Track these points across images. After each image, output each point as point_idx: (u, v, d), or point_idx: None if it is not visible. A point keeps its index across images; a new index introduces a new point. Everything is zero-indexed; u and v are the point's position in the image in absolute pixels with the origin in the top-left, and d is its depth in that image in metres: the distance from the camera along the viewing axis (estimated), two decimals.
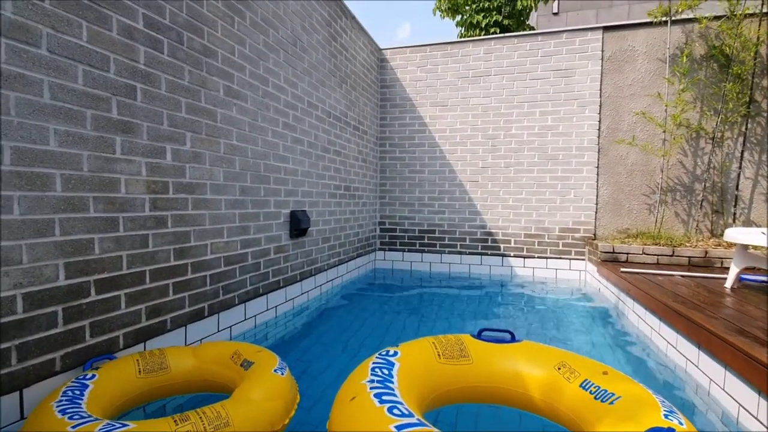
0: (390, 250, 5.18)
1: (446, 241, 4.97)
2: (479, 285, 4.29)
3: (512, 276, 4.66)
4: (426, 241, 5.04)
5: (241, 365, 1.55)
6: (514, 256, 4.71)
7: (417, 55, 4.93)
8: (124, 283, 1.79)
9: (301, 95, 3.24)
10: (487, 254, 4.81)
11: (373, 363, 1.28)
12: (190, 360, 1.67)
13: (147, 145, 1.89)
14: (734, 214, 3.97)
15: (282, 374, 1.43)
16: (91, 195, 1.64)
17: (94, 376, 1.40)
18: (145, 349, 1.88)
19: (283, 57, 2.96)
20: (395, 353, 1.35)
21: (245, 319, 2.63)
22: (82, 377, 1.39)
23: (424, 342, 1.46)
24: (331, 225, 3.87)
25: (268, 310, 2.87)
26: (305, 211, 3.33)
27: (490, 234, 4.79)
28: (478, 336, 1.50)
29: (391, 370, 1.23)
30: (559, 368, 1.33)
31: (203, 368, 1.65)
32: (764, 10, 3.75)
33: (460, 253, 4.91)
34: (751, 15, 3.80)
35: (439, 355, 1.40)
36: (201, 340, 2.26)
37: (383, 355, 1.34)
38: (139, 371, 1.53)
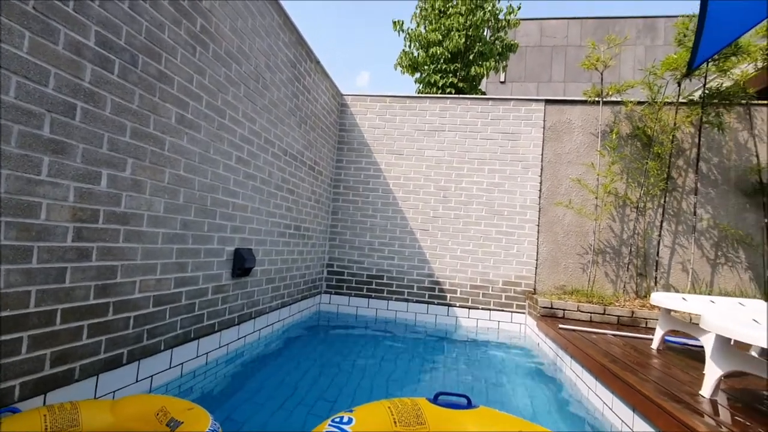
0: (336, 293, 5.03)
1: (394, 288, 4.92)
2: (425, 334, 4.24)
3: (457, 326, 4.68)
4: (374, 286, 4.96)
5: (168, 425, 1.35)
6: (460, 307, 4.75)
7: (377, 104, 5.10)
8: (29, 323, 1.54)
9: (259, 131, 3.18)
10: (433, 303, 4.82)
11: None
12: (107, 416, 1.43)
13: (80, 169, 1.71)
14: (656, 277, 4.34)
15: None
16: (3, 220, 1.43)
17: None
18: (45, 403, 1.59)
19: (243, 91, 2.91)
20: (349, 420, 1.24)
21: (170, 367, 2.36)
22: None
23: (380, 407, 1.37)
24: (278, 265, 3.70)
25: (198, 356, 2.60)
26: (251, 249, 3.16)
27: (437, 283, 4.83)
28: (435, 400, 1.43)
29: None
30: None
31: (122, 427, 1.42)
32: (680, 100, 4.35)
33: (407, 300, 4.88)
34: (670, 103, 4.39)
35: (395, 421, 1.31)
36: (115, 392, 1.97)
37: (337, 423, 1.23)
38: (46, 428, 1.28)
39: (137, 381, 2.12)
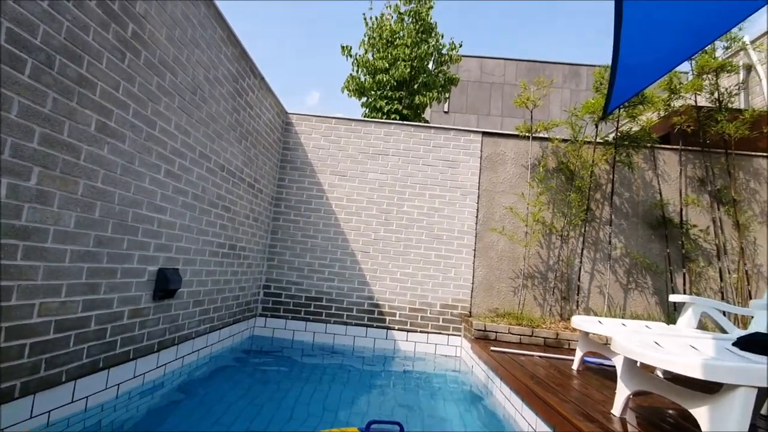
0: (272, 316, 4.82)
1: (333, 310, 4.83)
2: (362, 358, 4.18)
3: (395, 350, 4.66)
4: (312, 309, 4.83)
5: None
6: (398, 330, 4.76)
7: (323, 125, 5.10)
8: None
9: (194, 144, 3.03)
10: (372, 326, 4.78)
11: None
12: None
13: None
14: (577, 301, 4.67)
15: None
16: None
17: None
18: None
19: (178, 103, 2.78)
20: None
21: (73, 401, 2.09)
22: None
23: None
24: (208, 286, 3.48)
25: (107, 388, 2.34)
26: (177, 269, 2.95)
27: (377, 306, 4.81)
28: (367, 429, 1.40)
29: None
30: None
31: None
32: (597, 140, 4.83)
33: (345, 323, 4.79)
34: (589, 142, 4.86)
35: None
36: (3, 430, 1.70)
37: None
38: None
39: (31, 417, 1.85)
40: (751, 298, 4.40)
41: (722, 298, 4.52)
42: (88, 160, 2.06)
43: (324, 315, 4.82)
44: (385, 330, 4.77)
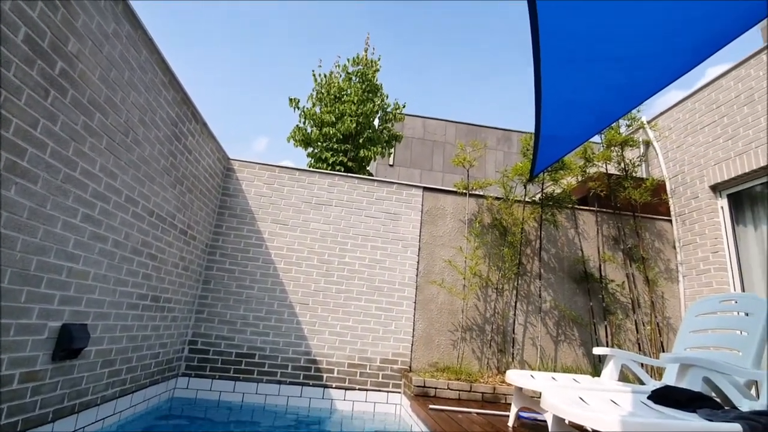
0: (197, 376, 4.38)
1: (266, 368, 4.50)
2: (295, 422, 3.87)
3: (332, 410, 4.39)
4: (243, 366, 4.47)
5: None
6: (336, 388, 4.52)
7: (266, 172, 5.05)
8: None
9: (119, 188, 2.84)
10: (308, 384, 4.50)
11: None
12: None
13: None
14: (512, 353, 4.78)
15: None
16: None
17: None
18: None
19: (106, 144, 2.63)
20: None
21: None
22: None
23: None
24: (122, 343, 3.12)
25: None
26: (86, 325, 2.62)
27: (314, 362, 4.57)
28: None
29: None
30: None
31: None
32: (526, 200, 5.23)
33: (279, 382, 4.47)
34: (519, 201, 5.24)
35: None
36: None
37: None
38: None
39: None
40: (663, 348, 4.79)
41: (639, 349, 4.87)
42: None
43: (256, 373, 4.47)
44: (322, 388, 4.51)
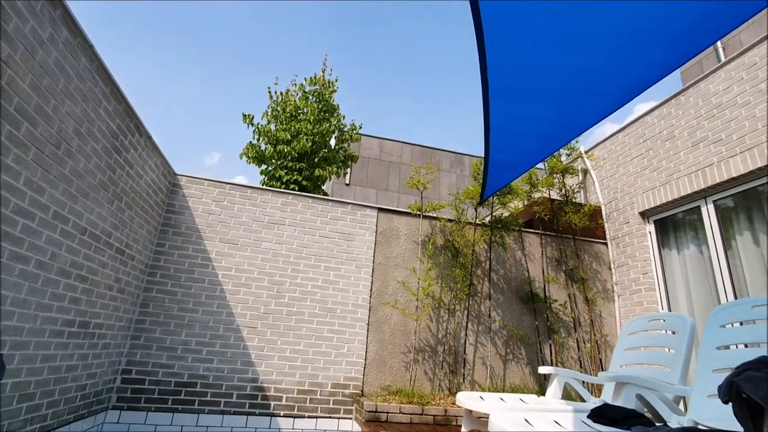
0: (130, 408, 4.01)
1: (208, 397, 4.21)
2: None
3: None
4: (182, 396, 4.16)
5: None
6: (284, 416, 4.31)
7: (215, 189, 4.85)
8: None
9: (47, 203, 2.60)
10: (254, 414, 4.26)
11: None
12: None
13: None
14: (463, 374, 4.83)
15: None
16: None
17: None
18: None
19: (33, 155, 2.41)
20: None
21: None
22: None
23: None
24: (43, 375, 2.80)
25: None
26: (1, 355, 2.33)
27: (261, 389, 4.35)
28: None
29: None
30: None
31: None
32: (477, 222, 5.40)
33: (223, 412, 4.20)
34: (470, 223, 5.40)
35: None
36: None
37: None
38: None
39: None
40: (602, 364, 5.06)
41: (581, 366, 5.11)
42: None
43: (197, 403, 4.17)
44: (269, 417, 4.29)
